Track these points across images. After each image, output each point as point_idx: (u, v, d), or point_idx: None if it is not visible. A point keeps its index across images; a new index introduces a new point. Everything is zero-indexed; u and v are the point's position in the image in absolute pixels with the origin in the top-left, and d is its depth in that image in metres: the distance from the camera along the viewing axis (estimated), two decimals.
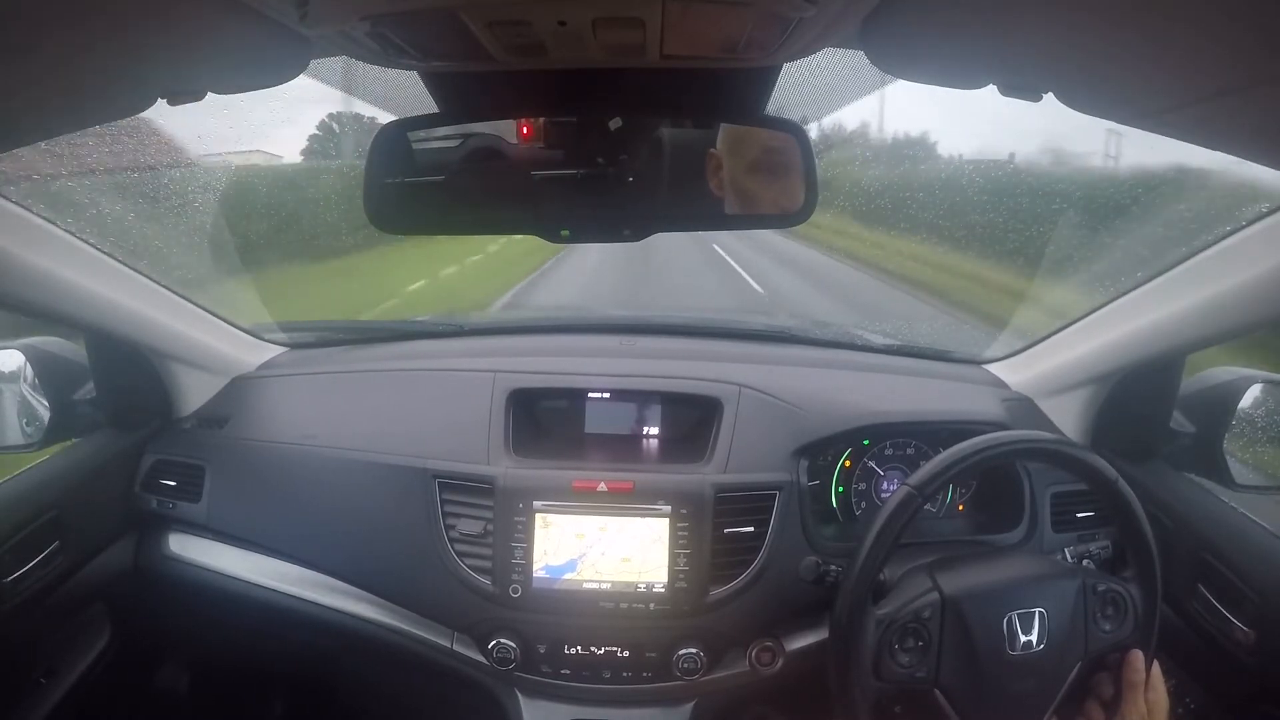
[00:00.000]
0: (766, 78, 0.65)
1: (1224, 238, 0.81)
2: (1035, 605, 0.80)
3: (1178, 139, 0.51)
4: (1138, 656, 0.82)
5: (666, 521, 0.96)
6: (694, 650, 0.97)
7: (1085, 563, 0.91)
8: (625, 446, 1.11)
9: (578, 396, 1.13)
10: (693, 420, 1.11)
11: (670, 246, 7.92)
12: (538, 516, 0.97)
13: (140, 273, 0.99)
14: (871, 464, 1.11)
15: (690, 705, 1.01)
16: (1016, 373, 1.21)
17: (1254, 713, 0.92)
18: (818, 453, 1.07)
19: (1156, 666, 0.83)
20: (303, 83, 0.63)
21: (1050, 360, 1.15)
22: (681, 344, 1.28)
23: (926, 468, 0.81)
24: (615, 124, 0.66)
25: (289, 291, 5.05)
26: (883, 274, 7.77)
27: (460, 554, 0.99)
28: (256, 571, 1.09)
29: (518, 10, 0.47)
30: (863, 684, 0.79)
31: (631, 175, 0.67)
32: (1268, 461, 1.04)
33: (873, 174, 9.19)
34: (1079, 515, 1.07)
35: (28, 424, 1.06)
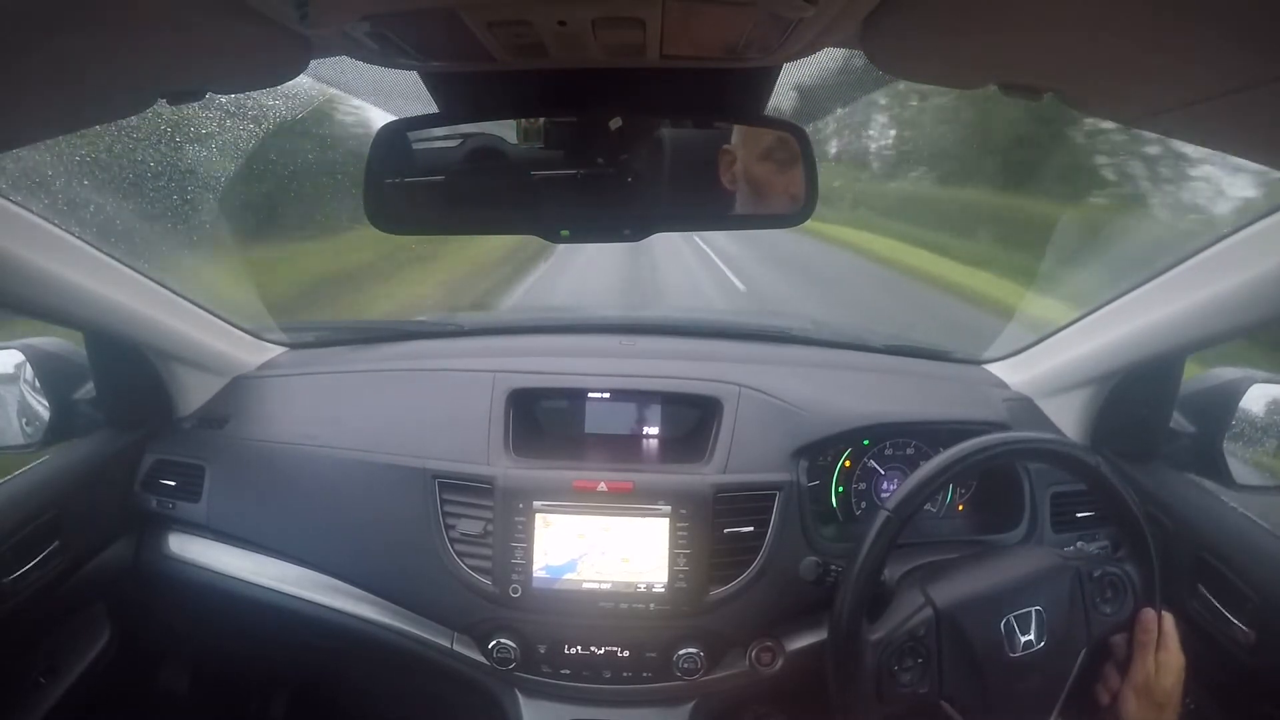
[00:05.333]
0: (766, 78, 0.65)
1: (1224, 238, 0.81)
2: (1031, 604, 0.80)
3: (1178, 139, 0.51)
4: (1148, 616, 0.82)
5: (666, 521, 0.96)
6: (694, 650, 0.97)
7: (1079, 545, 0.91)
8: (625, 446, 1.11)
9: (578, 396, 1.13)
10: (692, 420, 1.11)
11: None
12: (538, 516, 0.97)
13: (140, 273, 0.99)
14: (872, 464, 1.11)
15: (690, 705, 1.01)
16: (1016, 373, 1.21)
17: (1254, 713, 0.92)
18: (818, 453, 1.07)
19: (1170, 624, 0.83)
20: None
21: (1050, 360, 1.15)
22: (681, 344, 1.28)
23: (902, 489, 0.81)
24: (615, 124, 0.66)
25: None
26: None
27: (460, 554, 0.99)
28: (256, 572, 1.08)
29: (518, 10, 0.47)
30: (866, 708, 0.79)
31: (631, 175, 0.67)
32: (1268, 461, 1.04)
33: None
34: (1079, 515, 1.07)
35: (28, 424, 1.06)
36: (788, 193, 0.72)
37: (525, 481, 0.99)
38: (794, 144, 0.69)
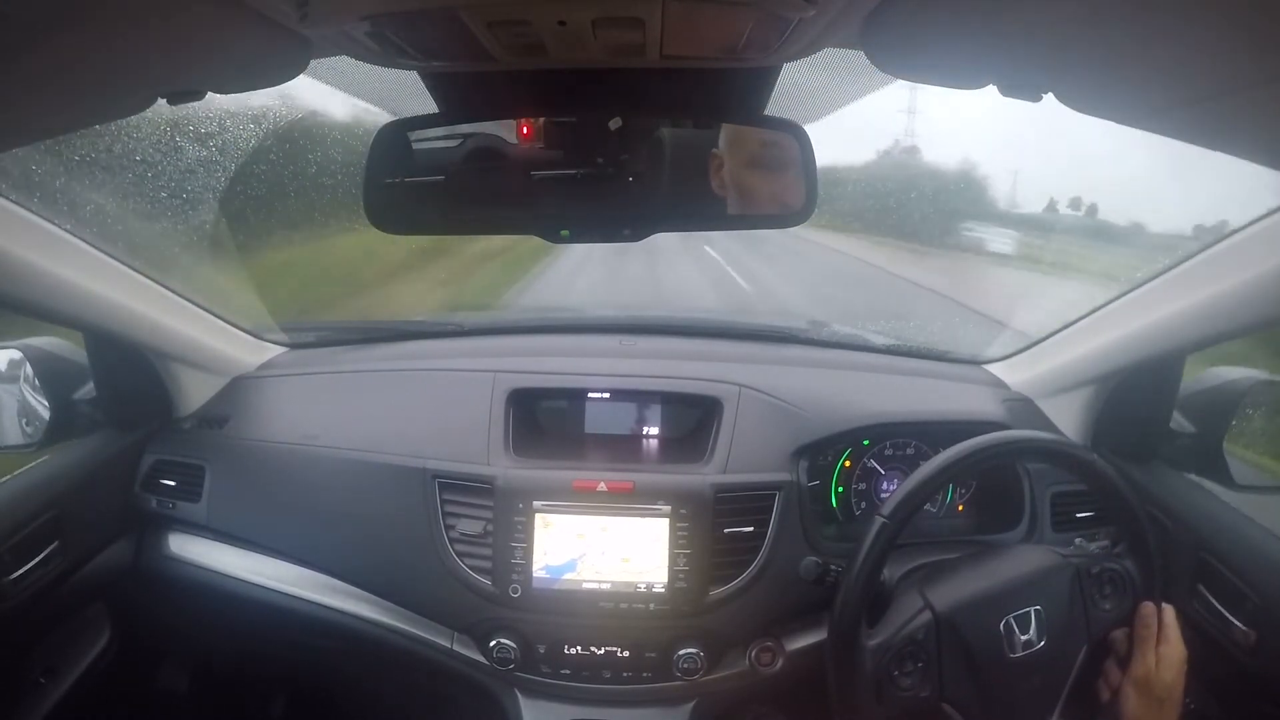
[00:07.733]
0: (766, 78, 0.65)
1: (1224, 238, 0.81)
2: (1030, 604, 0.80)
3: (1178, 139, 0.51)
4: (1148, 610, 0.82)
5: (666, 521, 0.96)
6: (694, 650, 0.97)
7: (1078, 542, 0.90)
8: (625, 446, 1.11)
9: (577, 397, 1.13)
10: (693, 420, 1.11)
11: None
12: (538, 516, 0.97)
13: (140, 273, 0.99)
14: (872, 464, 1.11)
15: (690, 705, 1.01)
16: (1017, 373, 1.21)
17: (1254, 713, 0.92)
18: (818, 453, 1.07)
19: (1170, 616, 0.83)
20: None
21: (1050, 360, 1.15)
22: (681, 344, 1.28)
23: (898, 493, 0.81)
24: (615, 124, 0.66)
25: None
26: None
27: (460, 554, 0.99)
28: (256, 572, 1.09)
29: (518, 10, 0.47)
30: (867, 711, 0.79)
31: (632, 175, 0.67)
32: (1267, 462, 1.04)
33: None
34: (1079, 515, 1.07)
35: (28, 424, 1.06)
36: (777, 200, 0.72)
37: (525, 481, 0.99)
38: (790, 146, 0.69)
